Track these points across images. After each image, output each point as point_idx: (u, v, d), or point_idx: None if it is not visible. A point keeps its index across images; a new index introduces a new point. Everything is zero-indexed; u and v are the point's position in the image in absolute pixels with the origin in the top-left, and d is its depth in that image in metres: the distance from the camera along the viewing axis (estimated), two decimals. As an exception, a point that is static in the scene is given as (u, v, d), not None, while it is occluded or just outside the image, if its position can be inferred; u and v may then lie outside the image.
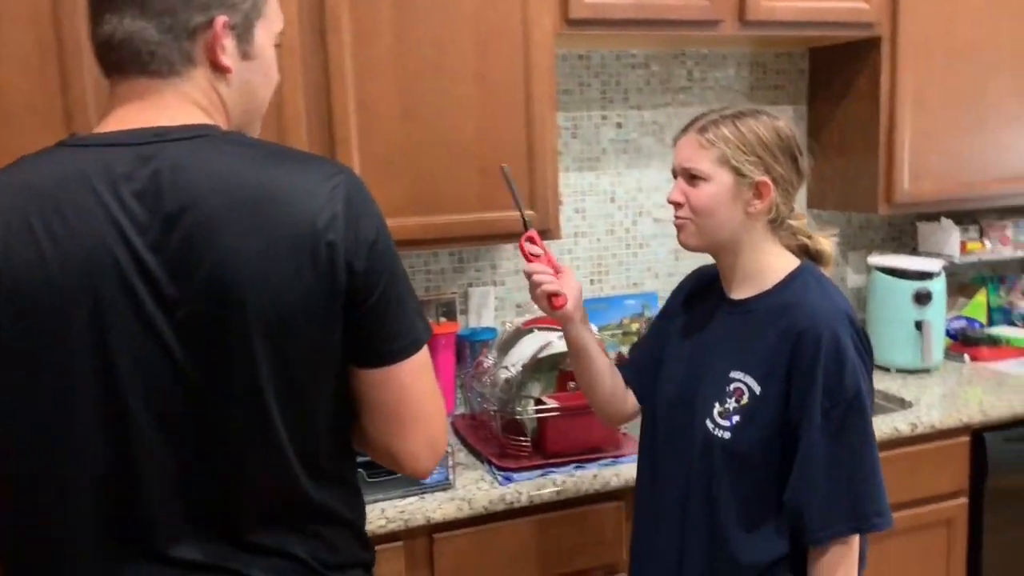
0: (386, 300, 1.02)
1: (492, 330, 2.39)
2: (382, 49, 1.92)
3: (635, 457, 1.94)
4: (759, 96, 2.70)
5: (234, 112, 1.06)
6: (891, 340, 2.56)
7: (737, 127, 1.41)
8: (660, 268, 2.65)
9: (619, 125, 2.55)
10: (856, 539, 1.38)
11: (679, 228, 1.49)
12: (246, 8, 1.02)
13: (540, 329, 2.07)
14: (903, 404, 2.36)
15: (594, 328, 2.19)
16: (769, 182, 1.41)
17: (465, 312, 2.44)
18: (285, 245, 0.94)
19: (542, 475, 1.90)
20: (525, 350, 2.01)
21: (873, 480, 1.38)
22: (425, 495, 1.82)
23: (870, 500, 1.37)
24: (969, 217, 2.86)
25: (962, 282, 3.03)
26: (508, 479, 1.88)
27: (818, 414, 1.35)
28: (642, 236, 2.62)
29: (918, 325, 2.55)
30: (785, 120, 1.47)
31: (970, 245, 2.80)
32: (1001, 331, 2.86)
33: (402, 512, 1.76)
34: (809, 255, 1.51)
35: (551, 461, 1.93)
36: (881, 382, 2.44)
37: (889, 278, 2.60)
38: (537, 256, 1.53)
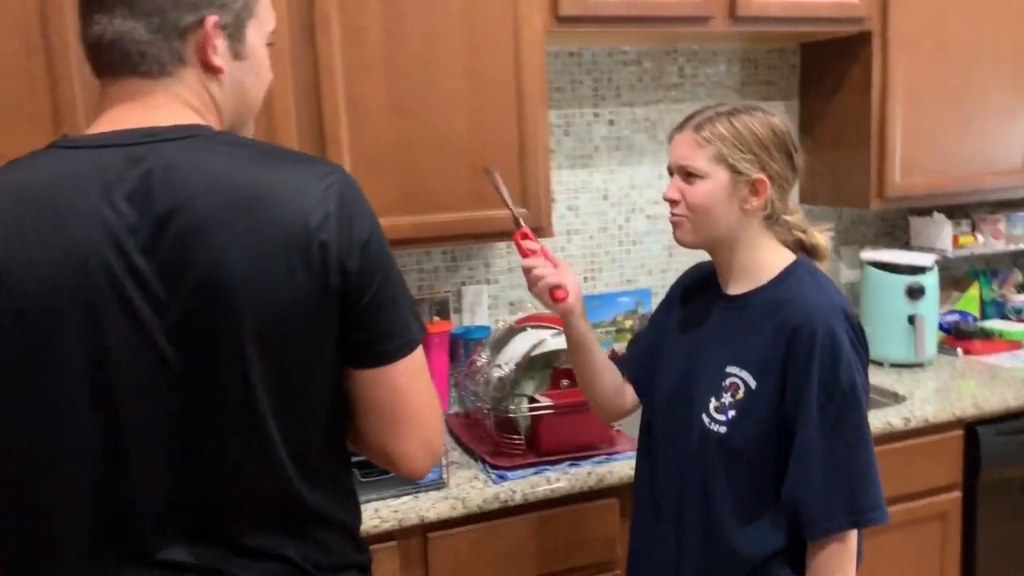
0: (380, 300, 1.01)
1: (486, 328, 2.39)
2: (372, 47, 1.92)
3: (629, 454, 1.96)
4: (751, 92, 2.70)
5: (227, 112, 1.05)
6: (884, 335, 2.57)
7: (733, 124, 1.41)
8: (653, 265, 2.65)
9: (611, 122, 2.55)
10: (854, 533, 1.39)
11: (675, 225, 1.49)
12: (237, 8, 1.01)
13: (533, 327, 2.07)
14: (896, 398, 2.36)
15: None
16: (765, 179, 1.42)
17: (459, 311, 2.44)
18: (277, 245, 0.93)
19: (536, 473, 1.90)
20: (518, 348, 2.01)
21: (869, 474, 1.38)
22: (419, 494, 1.82)
23: (867, 494, 1.37)
24: (961, 211, 2.86)
25: (955, 276, 3.04)
26: (502, 477, 1.88)
27: (814, 409, 1.35)
28: (635, 233, 2.62)
29: (911, 319, 2.55)
30: (780, 116, 1.47)
31: (962, 239, 2.81)
32: (994, 325, 2.86)
33: (396, 512, 1.76)
34: (805, 250, 1.51)
35: (545, 459, 1.93)
36: (875, 377, 2.44)
37: (882, 273, 2.60)
38: (534, 251, 1.52)
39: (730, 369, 1.44)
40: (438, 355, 2.25)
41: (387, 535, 1.74)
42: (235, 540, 1.00)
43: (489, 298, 2.46)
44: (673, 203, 1.47)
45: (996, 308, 3.00)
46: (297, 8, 1.85)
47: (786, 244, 1.50)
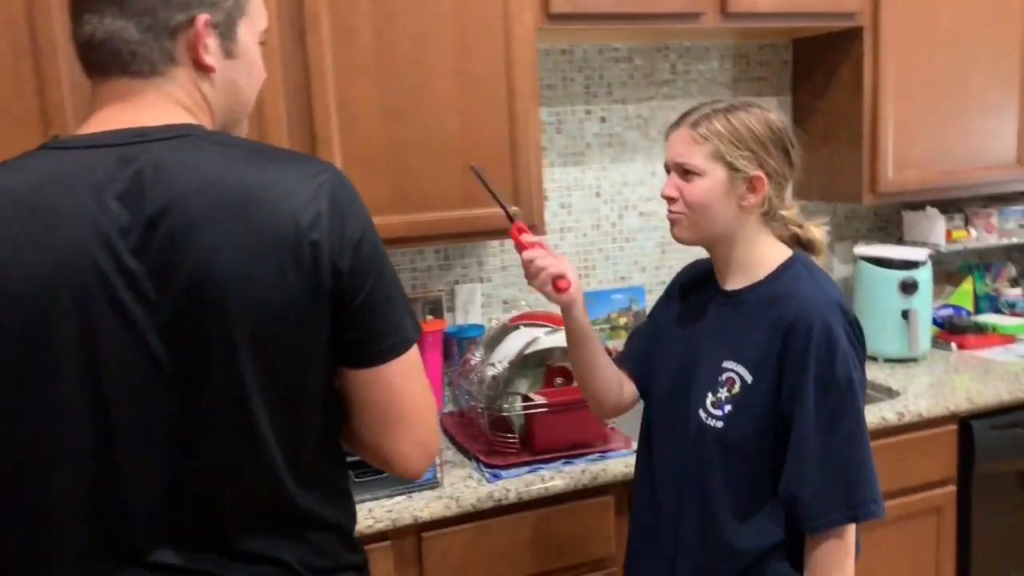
0: (373, 299, 1.00)
1: (479, 327, 2.39)
2: (362, 47, 1.91)
3: (624, 452, 1.96)
4: (743, 88, 2.70)
5: (219, 112, 1.05)
6: (878, 330, 2.57)
7: (730, 121, 1.41)
8: (647, 262, 2.65)
9: (603, 119, 2.55)
10: (852, 528, 1.39)
11: (673, 223, 1.49)
12: (228, 6, 1.01)
13: (526, 325, 2.07)
14: (890, 393, 2.36)
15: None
16: (763, 176, 1.42)
17: (452, 309, 2.44)
18: (268, 245, 0.93)
19: (530, 472, 1.89)
20: (512, 347, 2.00)
21: (866, 469, 1.38)
22: (413, 494, 1.82)
23: (864, 488, 1.37)
24: (954, 205, 2.86)
25: (948, 270, 3.04)
26: (496, 476, 1.88)
27: (810, 404, 1.35)
28: (628, 230, 2.62)
29: (904, 314, 2.55)
30: (776, 112, 1.47)
31: (955, 233, 2.81)
32: (987, 319, 2.87)
33: (389, 512, 1.76)
34: (801, 245, 1.51)
35: (539, 457, 1.93)
36: (868, 372, 2.41)
37: (875, 268, 2.61)
38: (533, 244, 1.50)
39: (727, 364, 1.44)
40: (432, 354, 2.25)
41: (381, 535, 1.74)
42: (229, 543, 1.00)
43: (483, 296, 2.46)
44: (671, 200, 1.47)
45: (989, 302, 3.01)
46: (287, 8, 1.84)
47: (782, 239, 1.50)
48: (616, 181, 2.59)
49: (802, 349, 1.36)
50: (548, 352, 2.02)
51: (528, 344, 1.98)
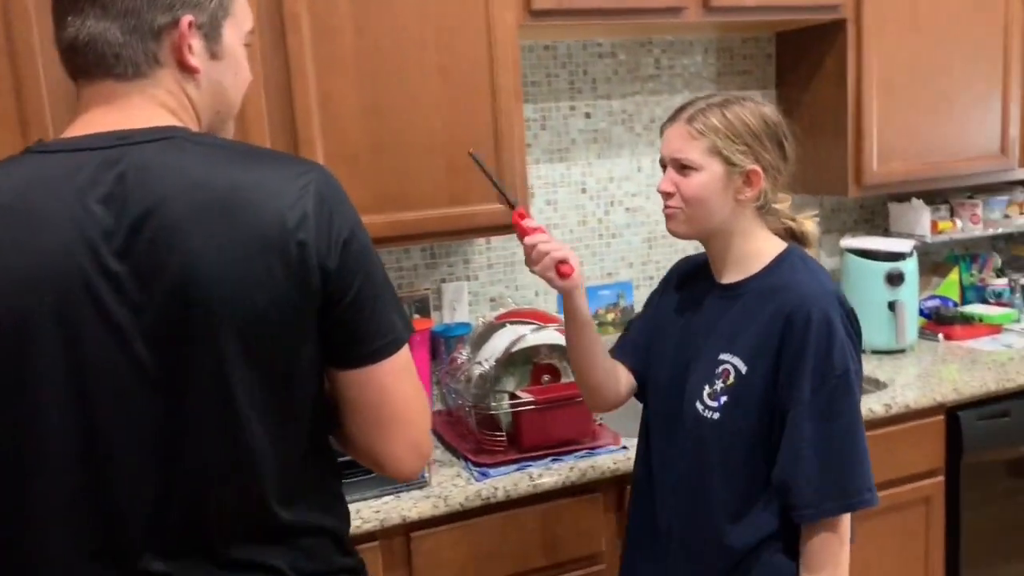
0: (362, 300, 1.00)
1: (467, 325, 2.38)
2: (343, 46, 1.90)
3: (612, 448, 1.96)
4: (727, 82, 2.70)
5: (205, 113, 1.04)
6: (865, 321, 2.48)
7: (725, 116, 1.42)
8: (634, 257, 2.65)
9: (588, 115, 2.55)
10: (847, 517, 1.40)
11: (669, 217, 1.49)
12: (212, 7, 1.00)
13: (512, 323, 2.06)
14: (878, 385, 2.37)
15: (567, 320, 2.19)
16: (759, 170, 1.43)
17: (439, 308, 2.43)
18: (254, 246, 0.92)
19: (518, 469, 1.89)
20: (498, 344, 2.00)
21: (861, 458, 1.39)
22: (401, 494, 1.81)
23: (858, 477, 1.38)
24: (940, 197, 2.87)
25: (935, 261, 3.05)
26: (484, 475, 1.87)
27: (807, 393, 1.36)
28: (615, 226, 2.62)
29: (891, 306, 2.56)
30: (770, 106, 1.48)
31: (941, 224, 2.82)
32: (974, 309, 2.88)
33: (377, 512, 1.75)
34: (794, 237, 1.52)
35: (527, 455, 1.93)
36: (857, 364, 2.45)
37: (861, 260, 2.61)
38: (535, 229, 1.48)
39: (723, 356, 1.45)
40: (419, 353, 2.24)
41: (369, 535, 1.74)
42: (218, 551, 0.99)
43: (469, 295, 2.45)
44: (667, 195, 1.48)
45: (976, 292, 3.02)
46: (266, 8, 1.83)
47: (776, 232, 1.51)
48: (602, 177, 2.58)
49: (800, 339, 1.37)
50: (534, 349, 2.02)
51: (514, 342, 1.97)
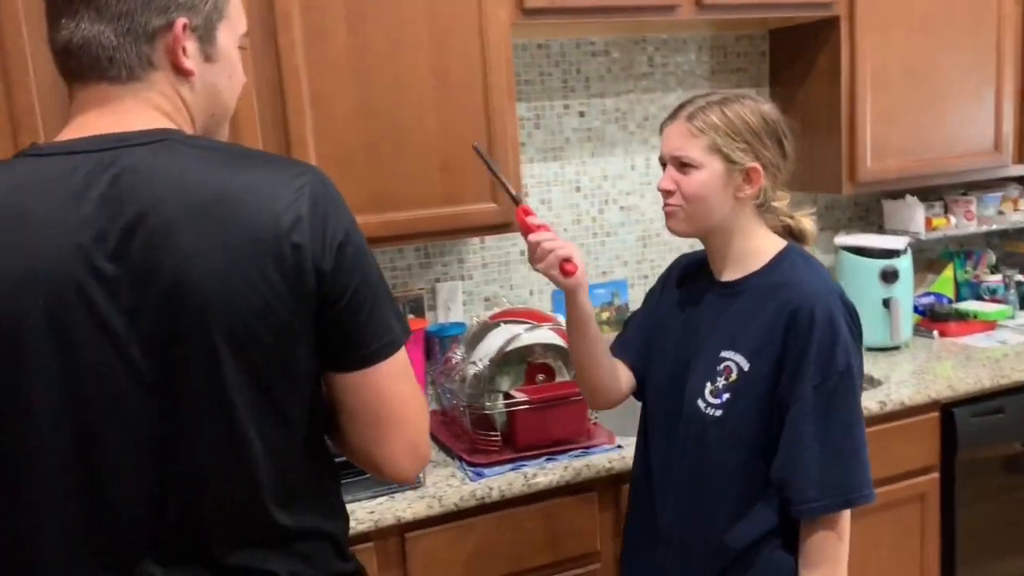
0: (358, 302, 0.99)
1: (461, 325, 2.38)
2: (335, 46, 1.90)
3: (607, 447, 1.96)
4: (721, 80, 2.70)
5: (199, 116, 1.03)
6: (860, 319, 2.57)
7: (725, 113, 1.43)
8: (628, 256, 2.65)
9: (581, 114, 2.54)
10: (846, 514, 1.41)
11: (669, 215, 1.50)
12: (207, 10, 1.00)
13: (507, 322, 2.06)
14: (873, 382, 2.37)
15: (562, 319, 2.19)
16: (759, 168, 1.43)
17: (433, 308, 2.43)
18: (248, 248, 0.92)
19: (513, 469, 1.89)
20: (492, 344, 2.00)
21: (861, 455, 1.40)
22: (395, 494, 1.81)
23: (858, 474, 1.39)
24: (934, 193, 2.88)
25: (930, 258, 3.05)
26: (479, 475, 1.87)
27: (809, 389, 1.37)
28: (609, 224, 2.62)
29: (886, 303, 2.56)
30: (770, 104, 1.48)
31: (935, 221, 2.82)
32: (969, 306, 2.88)
33: (372, 513, 1.75)
34: (792, 235, 1.53)
35: (522, 455, 1.93)
36: (852, 361, 2.45)
37: (855, 257, 2.61)
38: (539, 226, 1.47)
39: (724, 354, 1.45)
40: (414, 353, 2.23)
41: (363, 536, 1.73)
42: (215, 557, 0.99)
43: (464, 294, 2.45)
44: (667, 193, 1.48)
45: (971, 289, 3.02)
46: (258, 8, 1.83)
47: (774, 230, 1.52)
48: (596, 175, 2.58)
49: (804, 336, 1.37)
50: (529, 349, 2.01)
51: (508, 341, 1.97)
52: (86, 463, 0.93)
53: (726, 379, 1.44)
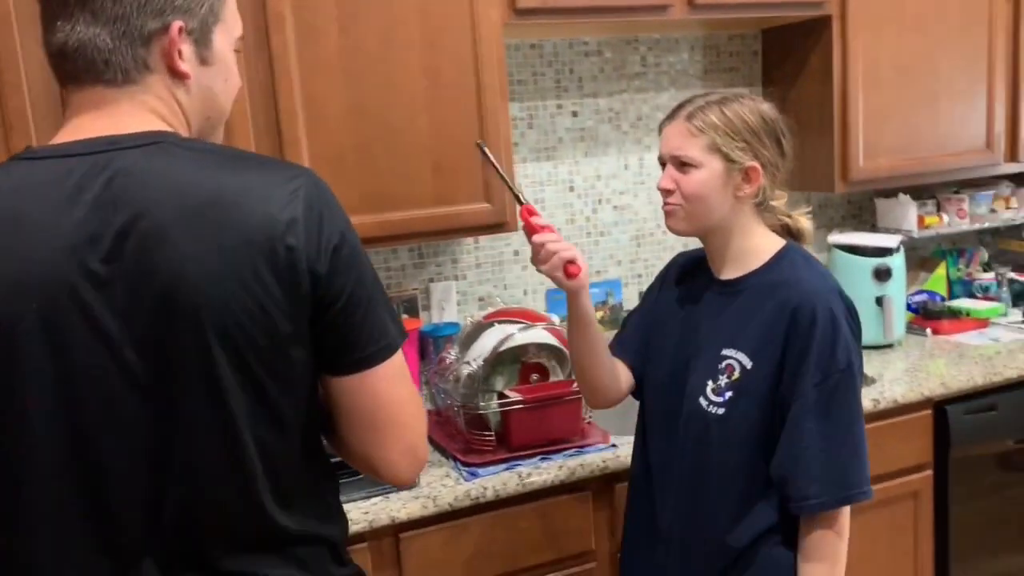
0: (354, 305, 0.99)
1: (455, 325, 2.38)
2: (328, 46, 1.90)
3: (601, 446, 1.96)
4: (714, 79, 2.70)
5: (195, 119, 1.03)
6: None
7: (724, 113, 1.44)
8: (622, 255, 2.65)
9: (575, 113, 2.55)
10: (846, 510, 1.42)
11: (669, 214, 1.50)
12: (203, 13, 1.00)
13: (500, 322, 2.06)
14: (866, 380, 2.37)
15: (556, 319, 2.20)
16: (758, 167, 1.44)
17: (427, 308, 2.43)
18: (242, 250, 0.92)
19: (507, 469, 1.89)
20: (486, 344, 2.00)
21: (860, 452, 1.41)
22: (389, 495, 1.81)
23: (857, 471, 1.40)
24: (926, 192, 2.88)
25: (923, 256, 3.06)
26: (473, 475, 1.87)
27: (809, 386, 1.38)
28: (603, 224, 2.62)
29: (879, 301, 2.57)
30: (768, 103, 1.49)
31: (928, 219, 2.82)
32: (961, 303, 2.89)
33: (366, 513, 1.75)
34: (790, 233, 1.54)
35: (516, 454, 1.93)
36: (844, 359, 2.46)
37: (848, 256, 2.62)
38: (543, 227, 1.48)
39: (726, 352, 1.46)
40: (408, 353, 2.22)
41: (358, 537, 1.73)
42: (213, 563, 0.98)
43: (458, 294, 2.45)
44: (667, 193, 1.49)
45: (963, 287, 3.03)
46: (250, 8, 1.82)
47: (772, 228, 1.53)
48: (589, 175, 2.59)
49: (805, 335, 1.38)
50: (523, 348, 2.01)
51: (502, 341, 1.97)
52: (81, 466, 0.93)
53: (728, 377, 1.45)
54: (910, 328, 2.76)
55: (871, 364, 2.48)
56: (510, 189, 1.53)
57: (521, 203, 1.50)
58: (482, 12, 2.00)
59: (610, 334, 1.74)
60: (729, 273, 1.52)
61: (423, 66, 1.98)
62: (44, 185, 0.92)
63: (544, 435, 1.95)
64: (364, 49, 1.93)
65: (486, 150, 1.53)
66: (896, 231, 2.80)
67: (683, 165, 1.45)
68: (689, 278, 1.62)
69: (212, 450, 0.95)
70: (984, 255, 3.08)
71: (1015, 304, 2.95)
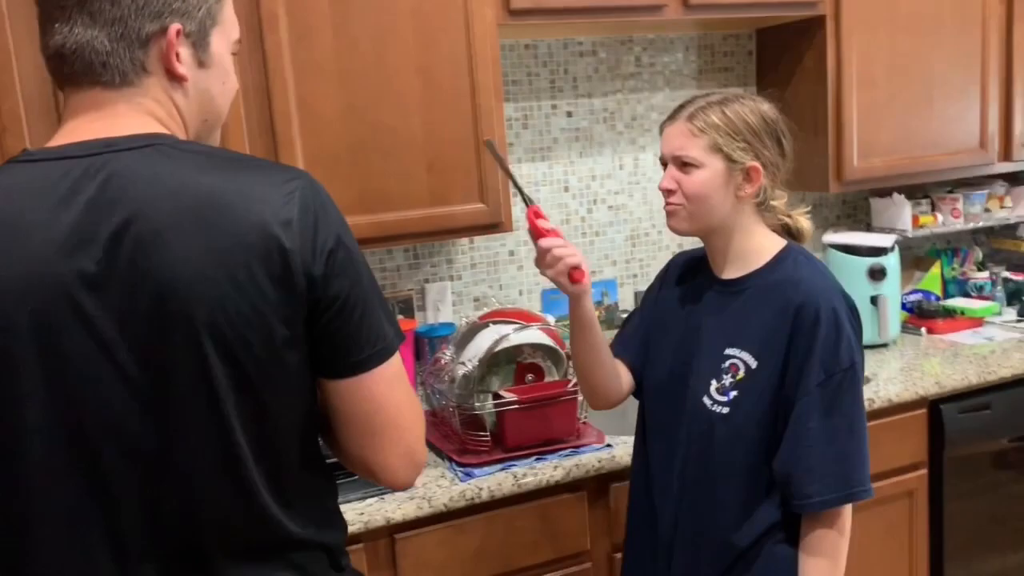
0: (350, 308, 0.99)
1: (451, 325, 2.38)
2: (322, 47, 1.90)
3: (596, 447, 1.96)
4: (708, 79, 2.70)
5: (192, 122, 1.03)
6: None
7: (725, 113, 1.44)
8: (617, 255, 2.65)
9: (569, 114, 2.55)
10: (848, 508, 1.43)
11: (670, 214, 1.51)
12: (201, 15, 0.99)
13: (496, 323, 2.06)
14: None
15: (551, 319, 2.20)
16: (759, 167, 1.45)
17: (423, 308, 2.43)
18: (236, 252, 0.91)
19: (503, 469, 1.89)
20: (481, 344, 2.00)
21: (862, 450, 1.42)
22: (385, 496, 1.80)
23: (859, 469, 1.41)
24: (921, 191, 2.89)
25: (917, 255, 3.07)
26: (469, 475, 1.87)
27: (813, 385, 1.39)
28: (598, 224, 2.62)
29: (874, 301, 2.57)
30: (768, 104, 1.50)
31: (922, 219, 2.83)
32: (956, 303, 2.90)
33: (361, 514, 1.75)
34: (790, 233, 1.55)
35: (512, 455, 1.93)
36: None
37: (843, 255, 2.62)
38: (550, 231, 1.48)
39: (729, 351, 1.47)
40: (403, 354, 2.23)
41: (354, 538, 1.73)
42: (215, 570, 0.98)
43: (453, 295, 2.45)
44: (669, 193, 1.49)
45: (958, 286, 3.03)
46: (244, 9, 1.82)
47: (772, 228, 1.54)
48: (584, 175, 2.59)
49: (809, 333, 1.39)
50: (518, 349, 2.01)
51: (497, 341, 1.97)
52: (80, 469, 0.93)
53: (733, 377, 1.46)
54: (905, 327, 2.77)
55: (866, 363, 2.46)
56: (517, 189, 1.53)
57: (528, 204, 1.50)
58: (476, 12, 2.00)
59: (607, 334, 1.74)
60: (730, 273, 1.52)
61: (417, 66, 1.98)
62: (39, 187, 0.92)
63: (539, 435, 1.95)
64: (358, 49, 1.93)
65: (495, 148, 1.53)
66: (891, 231, 2.80)
67: (685, 165, 1.46)
68: (689, 278, 1.62)
69: (208, 453, 0.95)
70: (978, 254, 3.09)
71: (1009, 303, 2.95)
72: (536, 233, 1.48)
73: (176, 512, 0.96)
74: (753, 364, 1.44)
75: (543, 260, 1.47)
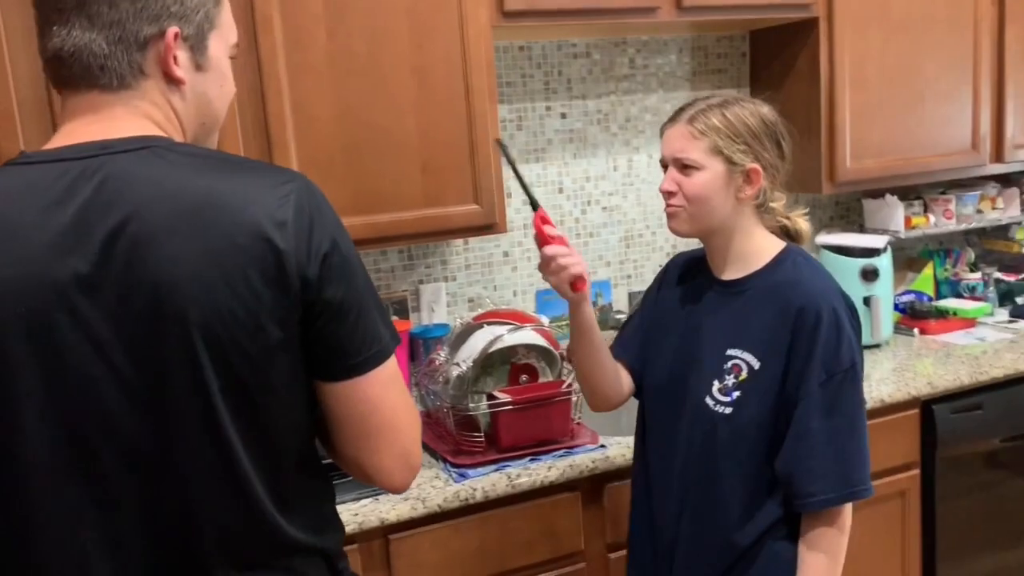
0: (346, 310, 0.99)
1: (445, 326, 2.38)
2: (316, 49, 1.90)
3: (590, 447, 1.97)
4: (702, 81, 2.71)
5: (189, 125, 1.03)
6: None
7: (725, 116, 1.46)
8: (611, 256, 2.66)
9: (563, 115, 2.55)
10: (848, 507, 1.44)
11: (671, 216, 1.52)
12: (199, 19, 1.00)
13: (490, 324, 2.07)
14: (854, 380, 2.39)
15: (545, 320, 2.21)
16: (759, 169, 1.46)
17: (417, 309, 2.43)
18: (230, 253, 0.91)
19: (497, 470, 1.89)
20: (475, 345, 2.00)
21: (863, 450, 1.44)
22: (379, 496, 1.81)
23: (859, 468, 1.43)
24: (913, 192, 2.90)
25: (910, 256, 3.08)
26: (463, 476, 1.87)
27: (815, 386, 1.40)
28: (592, 225, 2.63)
29: (866, 301, 2.58)
30: (768, 106, 1.51)
31: (915, 220, 2.84)
32: (948, 303, 2.91)
33: (356, 515, 1.75)
34: (789, 234, 1.56)
35: (506, 455, 1.93)
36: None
37: (836, 256, 2.63)
38: (555, 237, 1.48)
39: (731, 352, 1.48)
40: (398, 355, 2.24)
41: (348, 539, 1.72)
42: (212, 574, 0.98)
43: (447, 296, 2.46)
44: (669, 195, 1.50)
45: (950, 287, 3.05)
46: (238, 10, 1.80)
47: (771, 230, 1.55)
48: (578, 177, 2.59)
49: (810, 334, 1.41)
50: (512, 350, 2.02)
51: (491, 342, 1.97)
52: (78, 471, 0.93)
53: (736, 377, 1.47)
54: (897, 328, 2.78)
55: (859, 364, 2.49)
56: (526, 191, 1.53)
57: (535, 207, 1.51)
58: (470, 14, 2.01)
59: (603, 335, 1.75)
60: (731, 274, 1.53)
61: (411, 68, 1.98)
62: (35, 189, 0.92)
63: (533, 436, 1.96)
64: (352, 51, 1.93)
65: (507, 149, 1.54)
66: (883, 232, 2.81)
67: (685, 167, 1.48)
68: (688, 278, 1.63)
69: (206, 454, 0.95)
70: (971, 255, 3.10)
71: (1001, 304, 2.97)
72: (542, 239, 1.49)
73: (175, 514, 0.96)
74: (756, 365, 1.46)
75: (547, 267, 1.48)
